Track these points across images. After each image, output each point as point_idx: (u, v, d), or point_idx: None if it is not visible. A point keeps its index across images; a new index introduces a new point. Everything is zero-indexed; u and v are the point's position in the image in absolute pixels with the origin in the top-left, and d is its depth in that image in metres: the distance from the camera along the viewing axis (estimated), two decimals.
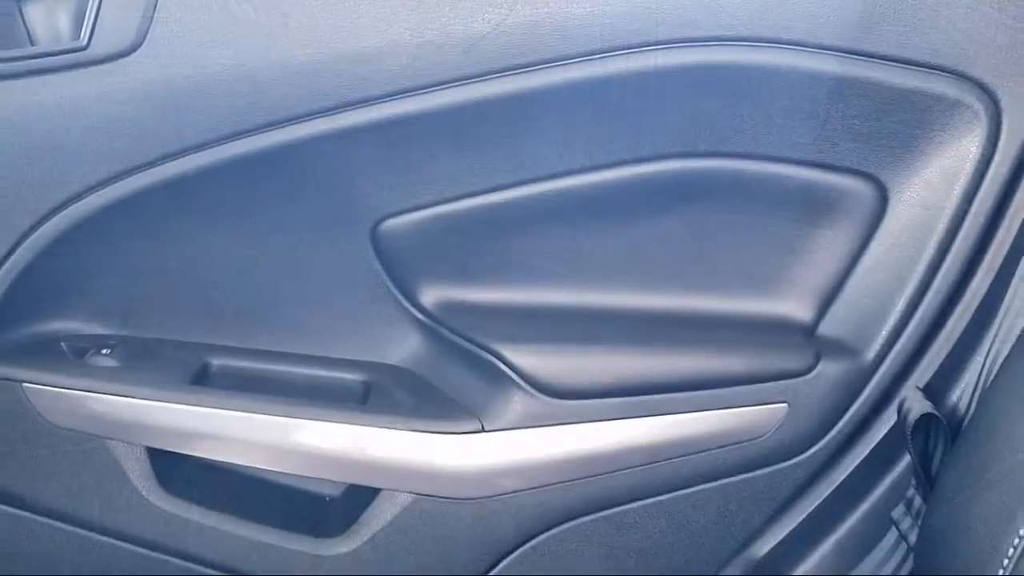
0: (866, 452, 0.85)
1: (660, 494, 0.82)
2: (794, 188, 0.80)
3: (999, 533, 0.57)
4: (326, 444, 0.78)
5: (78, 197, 0.75)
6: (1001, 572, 0.55)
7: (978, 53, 0.74)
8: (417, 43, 0.72)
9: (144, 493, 0.78)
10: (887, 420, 0.83)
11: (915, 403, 0.78)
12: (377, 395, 0.83)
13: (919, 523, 0.73)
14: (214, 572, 0.81)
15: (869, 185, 0.79)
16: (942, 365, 0.81)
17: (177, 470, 0.81)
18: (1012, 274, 0.75)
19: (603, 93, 0.75)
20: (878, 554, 0.82)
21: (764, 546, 0.86)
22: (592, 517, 0.82)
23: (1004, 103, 0.75)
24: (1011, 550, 0.55)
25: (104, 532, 0.80)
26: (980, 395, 0.72)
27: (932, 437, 0.74)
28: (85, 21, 0.73)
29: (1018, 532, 0.55)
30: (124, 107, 0.73)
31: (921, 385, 0.81)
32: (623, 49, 0.73)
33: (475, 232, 0.81)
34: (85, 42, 0.72)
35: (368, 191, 0.80)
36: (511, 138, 0.77)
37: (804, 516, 0.86)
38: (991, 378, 0.70)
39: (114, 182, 0.75)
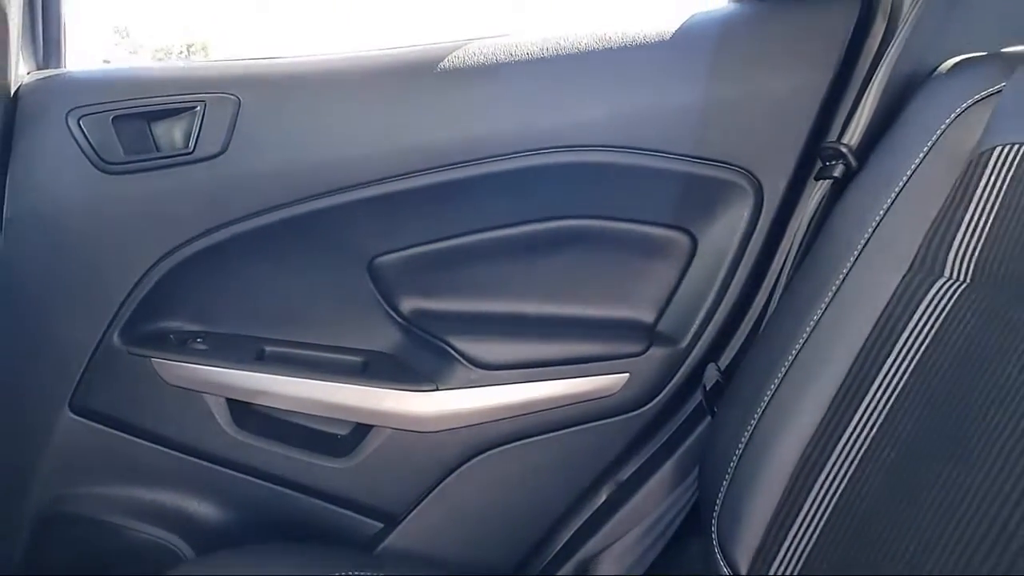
0: (685, 410, 1.18)
1: (548, 432, 1.14)
2: (638, 237, 1.13)
3: (734, 437, 0.93)
4: (338, 399, 1.13)
5: (184, 244, 1.10)
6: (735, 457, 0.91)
7: (747, 152, 1.08)
8: (397, 149, 1.09)
9: (225, 428, 1.14)
10: (697, 388, 1.16)
11: (712, 374, 1.15)
12: (371, 369, 1.17)
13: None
14: (266, 483, 1.16)
15: (685, 236, 1.13)
16: (735, 352, 1.18)
17: (245, 414, 1.16)
18: (776, 290, 1.12)
19: (514, 178, 1.09)
20: (692, 481, 1.18)
21: (619, 472, 1.20)
22: (506, 447, 1.15)
23: (764, 183, 1.09)
24: (740, 446, 0.91)
25: (197, 455, 1.15)
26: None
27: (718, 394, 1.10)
28: (191, 135, 1.08)
29: (742, 438, 0.92)
30: (214, 188, 1.09)
31: (721, 365, 1.18)
32: (523, 152, 1.08)
33: (435, 265, 1.16)
34: (191, 148, 1.08)
35: (366, 240, 1.15)
36: (457, 208, 1.12)
37: (644, 455, 1.18)
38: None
39: (207, 235, 1.09)
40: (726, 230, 1.12)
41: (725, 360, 1.15)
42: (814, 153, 1.09)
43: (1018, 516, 0.64)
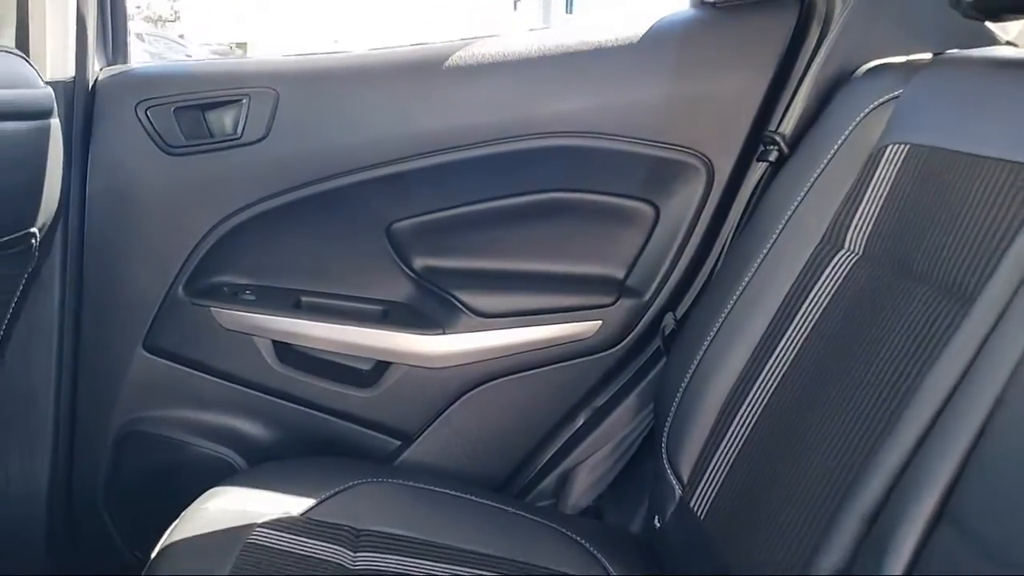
0: (646, 351, 1.39)
1: (535, 368, 1.36)
2: (610, 207, 1.34)
3: (681, 373, 1.15)
4: (362, 340, 1.35)
5: (234, 214, 1.31)
6: None
7: (701, 138, 1.29)
8: (410, 133, 1.30)
9: (270, 364, 1.36)
10: (657, 333, 1.37)
11: (669, 322, 1.37)
12: (389, 316, 1.39)
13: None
14: (304, 408, 1.39)
15: (650, 207, 1.34)
16: (689, 304, 1.39)
17: (286, 352, 1.39)
18: (723, 253, 1.33)
19: (507, 159, 1.30)
20: (650, 410, 1.39)
21: (593, 401, 1.42)
22: (500, 380, 1.36)
23: (715, 164, 1.29)
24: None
25: (247, 385, 1.38)
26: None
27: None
28: (239, 123, 1.30)
29: (687, 375, 1.14)
30: (258, 168, 1.31)
31: (677, 315, 1.39)
32: (514, 137, 1.29)
33: (442, 230, 1.37)
34: (239, 134, 1.29)
35: (384, 209, 1.36)
36: (460, 183, 1.33)
37: (613, 388, 1.40)
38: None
39: (252, 206, 1.31)
40: (683, 202, 1.34)
41: (681, 310, 1.36)
42: (757, 139, 1.29)
43: (859, 443, 0.85)
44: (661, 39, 1.30)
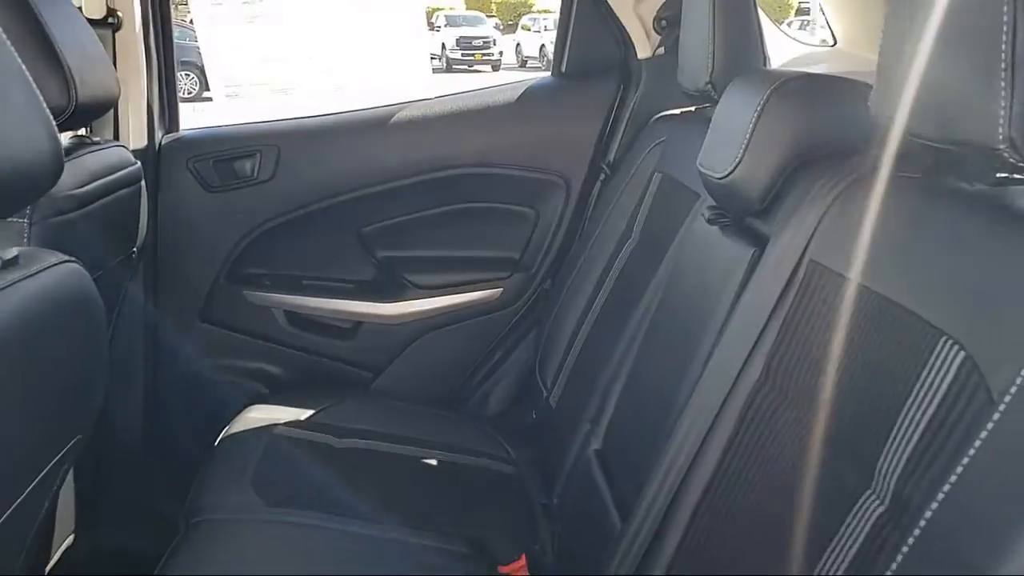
0: (535, 308, 2.01)
1: (460, 322, 1.98)
2: (506, 212, 1.97)
3: (553, 320, 1.78)
4: (343, 307, 1.96)
5: (254, 228, 1.93)
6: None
7: (559, 165, 1.93)
8: (372, 168, 1.93)
9: (283, 326, 1.97)
10: (541, 296, 2.03)
11: (547, 286, 2.00)
12: (361, 290, 2.01)
13: None
14: (306, 354, 2.01)
15: (532, 211, 1.98)
16: (557, 274, 2.01)
17: (294, 318, 2.00)
18: (576, 241, 1.95)
19: (433, 183, 1.93)
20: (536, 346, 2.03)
21: (502, 342, 2.07)
22: (437, 331, 1.98)
23: (571, 182, 1.94)
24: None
25: (268, 340, 1.98)
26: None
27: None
28: (254, 168, 1.95)
29: (552, 318, 1.77)
30: (270, 197, 1.94)
31: (551, 281, 2.01)
32: (434, 169, 1.92)
33: (394, 232, 1.99)
34: (255, 176, 1.94)
35: (356, 219, 1.98)
36: (405, 201, 1.96)
37: (513, 334, 2.02)
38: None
39: (266, 223, 1.93)
40: (553, 208, 1.98)
41: (556, 280, 1.99)
42: (596, 166, 1.91)
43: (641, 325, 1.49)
44: (530, 98, 1.93)
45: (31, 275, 0.78)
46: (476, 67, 14.19)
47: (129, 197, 1.60)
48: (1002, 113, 0.64)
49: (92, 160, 1.46)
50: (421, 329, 2.01)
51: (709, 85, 1.36)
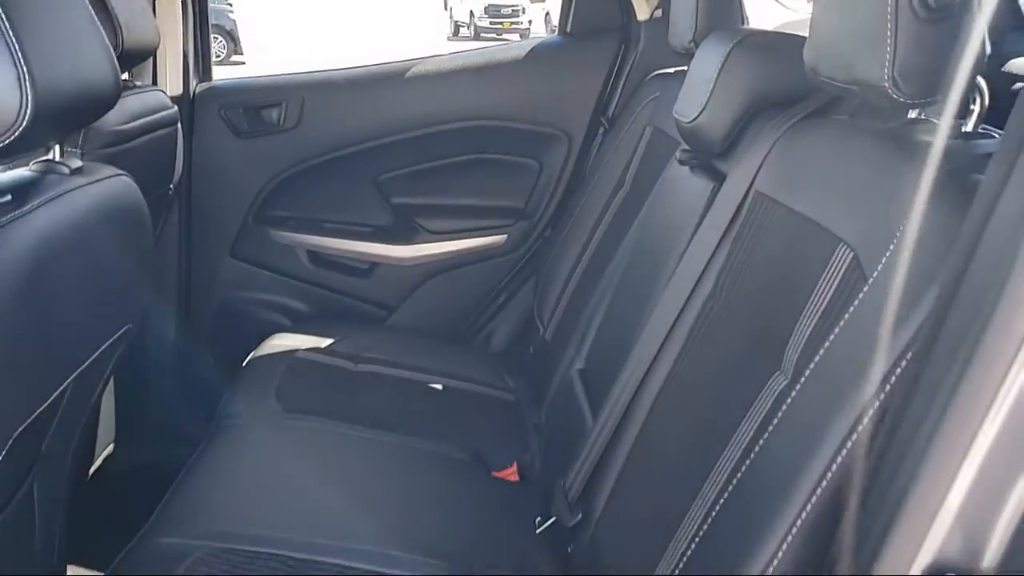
0: (537, 253, 2.17)
1: (467, 264, 2.14)
2: (512, 163, 2.13)
3: (550, 260, 1.94)
4: (361, 249, 2.13)
5: (280, 173, 2.10)
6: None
7: (562, 120, 2.07)
8: (390, 119, 2.08)
9: (306, 264, 2.14)
10: (541, 243, 2.18)
11: (548, 233, 2.15)
12: (377, 234, 2.17)
13: None
14: (327, 291, 2.19)
15: (536, 162, 2.12)
16: (558, 222, 2.16)
17: (316, 257, 2.18)
18: (576, 191, 2.09)
19: (446, 135, 2.08)
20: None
21: (506, 285, 2.21)
22: (446, 272, 2.14)
23: (572, 136, 2.08)
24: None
25: (291, 277, 2.16)
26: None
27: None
28: (280, 117, 2.11)
29: (551, 257, 1.92)
30: (294, 144, 2.10)
31: (552, 229, 2.16)
32: (451, 121, 2.07)
33: (410, 180, 2.15)
34: (281, 124, 2.09)
35: (374, 167, 2.13)
36: (421, 150, 2.11)
37: (516, 275, 2.17)
38: None
39: (290, 168, 2.09)
40: (555, 160, 2.12)
41: (555, 228, 2.14)
42: (596, 121, 2.05)
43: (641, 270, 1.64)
44: (537, 56, 2.06)
45: (94, 182, 0.94)
46: (504, 35, 14.25)
47: (166, 138, 1.76)
48: (887, 56, 0.78)
49: (134, 101, 1.62)
50: (431, 271, 2.17)
51: (692, 43, 1.50)
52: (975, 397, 0.55)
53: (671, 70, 1.88)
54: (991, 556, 0.56)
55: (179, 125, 1.84)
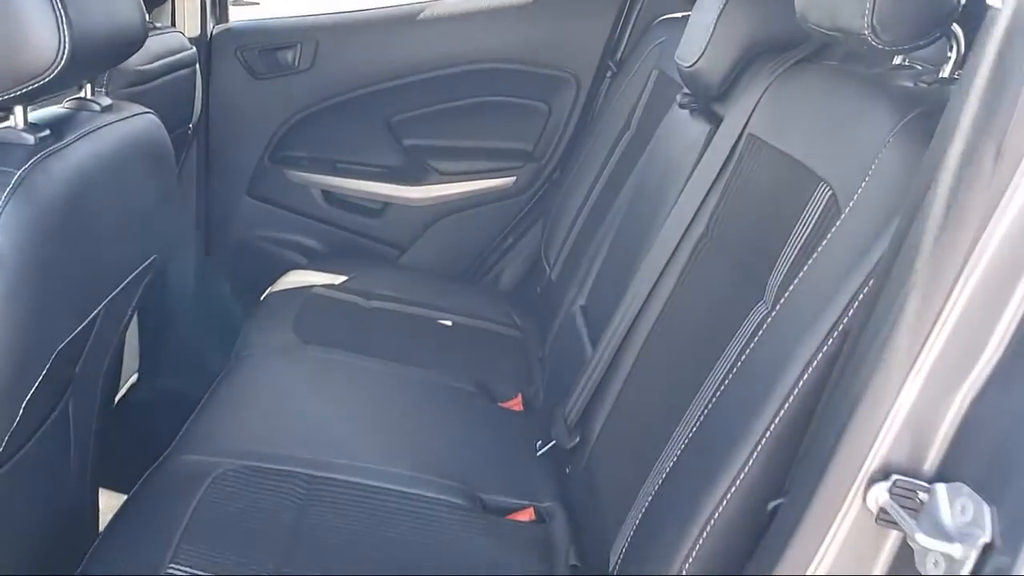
0: (545, 194, 2.24)
1: (476, 207, 2.20)
2: (521, 105, 2.17)
3: (558, 202, 1.99)
4: (373, 189, 2.19)
5: (295, 114, 2.15)
6: None
7: (571, 62, 2.11)
8: (402, 62, 2.12)
9: (320, 203, 2.20)
10: (549, 185, 2.24)
11: (555, 175, 2.20)
12: (389, 174, 2.22)
13: None
14: (341, 230, 2.26)
15: (544, 104, 2.16)
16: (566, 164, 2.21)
17: (330, 196, 2.25)
18: (583, 133, 2.14)
19: (457, 77, 2.12)
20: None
21: (514, 226, 2.26)
22: (456, 214, 2.20)
23: (580, 79, 2.12)
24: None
25: (307, 216, 2.23)
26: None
27: None
28: (295, 59, 2.15)
29: (558, 200, 1.98)
30: (309, 85, 2.14)
31: (559, 171, 2.21)
32: (462, 63, 2.12)
33: (421, 121, 2.19)
34: (296, 65, 2.14)
35: (387, 108, 2.18)
36: (432, 92, 2.15)
37: (524, 217, 2.23)
38: None
39: (305, 109, 2.14)
40: (563, 102, 2.16)
41: (563, 170, 2.19)
42: (604, 64, 2.08)
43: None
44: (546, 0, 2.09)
45: (123, 119, 1.01)
46: None
47: (185, 78, 1.81)
48: (868, 4, 0.83)
49: (155, 42, 1.67)
50: (442, 211, 2.23)
51: None
52: (922, 315, 0.61)
53: (678, 15, 1.91)
54: (932, 461, 0.63)
55: (197, 66, 1.90)
